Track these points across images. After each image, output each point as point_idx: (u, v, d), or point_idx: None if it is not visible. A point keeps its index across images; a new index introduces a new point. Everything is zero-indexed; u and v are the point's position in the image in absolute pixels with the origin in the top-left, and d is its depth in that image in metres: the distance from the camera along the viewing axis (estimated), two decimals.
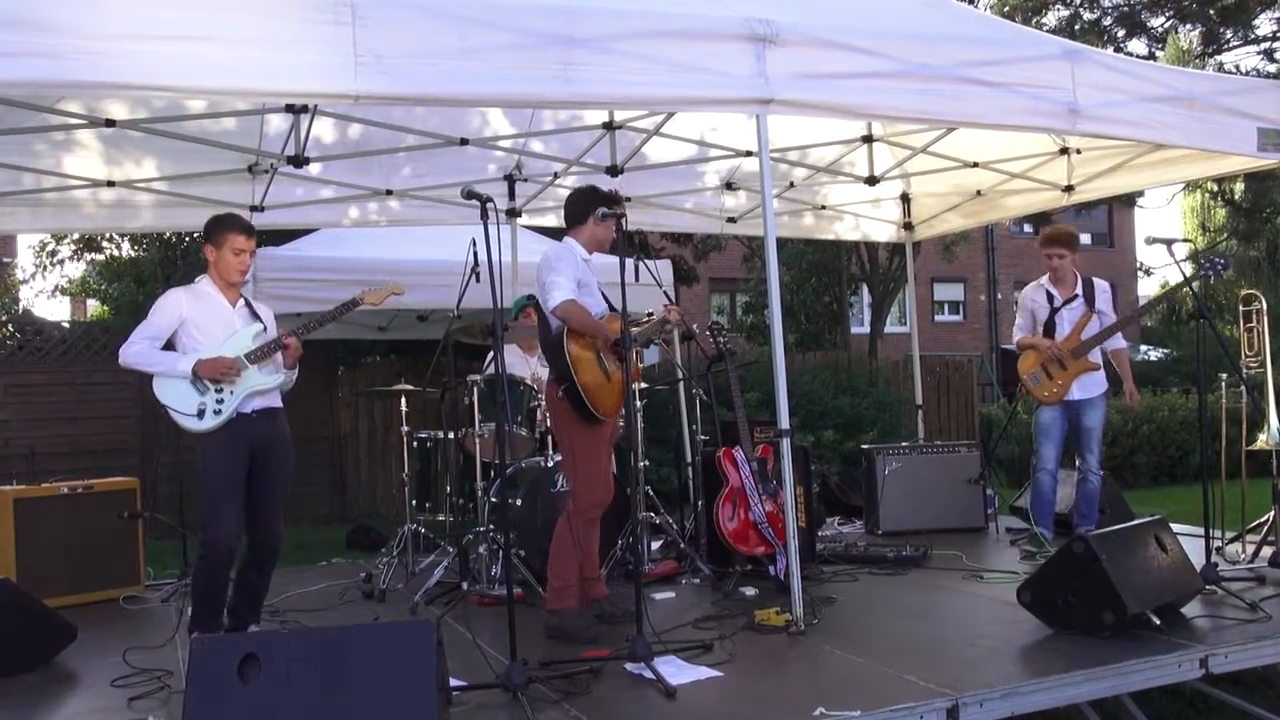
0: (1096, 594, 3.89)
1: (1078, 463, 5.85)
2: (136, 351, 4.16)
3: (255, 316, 4.36)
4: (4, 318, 11.82)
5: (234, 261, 4.26)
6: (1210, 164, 5.82)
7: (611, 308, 4.46)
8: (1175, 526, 4.53)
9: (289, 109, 5.26)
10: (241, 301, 4.38)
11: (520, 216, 7.09)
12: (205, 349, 4.18)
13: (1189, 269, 9.38)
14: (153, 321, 4.22)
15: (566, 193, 6.99)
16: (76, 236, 12.92)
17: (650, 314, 5.86)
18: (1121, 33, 16.05)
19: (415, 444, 5.93)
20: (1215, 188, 16.47)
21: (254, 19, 3.38)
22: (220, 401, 4.14)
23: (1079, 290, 5.85)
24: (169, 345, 4.24)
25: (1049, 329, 5.86)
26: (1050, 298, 5.90)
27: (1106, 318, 5.80)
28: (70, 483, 5.58)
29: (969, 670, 3.61)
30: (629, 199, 6.86)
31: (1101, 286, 5.89)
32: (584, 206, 4.46)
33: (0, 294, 14.62)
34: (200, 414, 4.13)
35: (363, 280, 7.14)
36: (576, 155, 6.55)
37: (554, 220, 7.57)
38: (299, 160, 5.36)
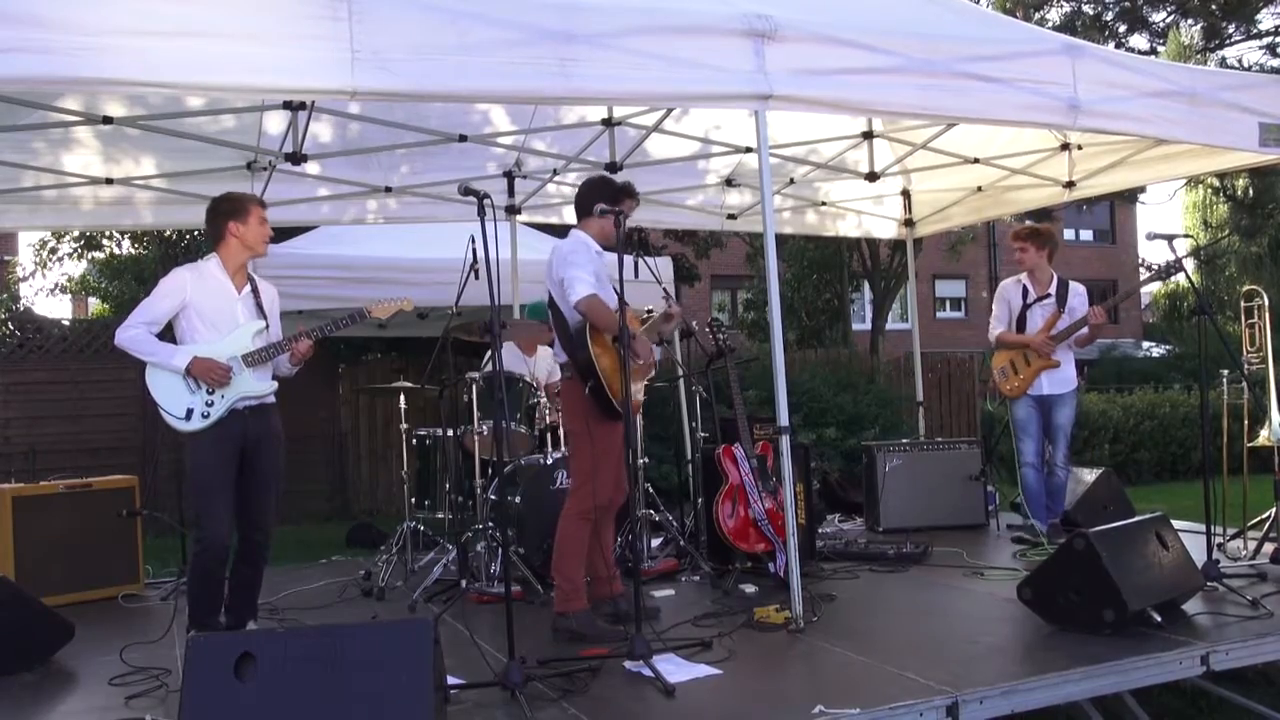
0: (1097, 591, 3.87)
1: (1046, 457, 5.96)
2: (132, 336, 4.10)
3: (259, 309, 4.30)
4: (4, 315, 11.81)
5: (263, 231, 4.25)
6: (1212, 159, 5.81)
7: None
8: (1176, 523, 4.51)
9: (287, 106, 5.25)
10: (248, 288, 4.30)
11: (520, 213, 7.07)
12: (204, 340, 4.14)
13: (1190, 265, 9.39)
14: (153, 305, 4.14)
15: (566, 189, 7.03)
16: (76, 234, 12.91)
17: (650, 310, 5.84)
18: (1123, 28, 16.06)
19: (415, 441, 5.93)
20: (1217, 183, 16.46)
21: (251, 15, 3.37)
22: (209, 404, 4.10)
23: (1052, 290, 6.01)
24: (169, 326, 4.18)
25: (1020, 323, 6.05)
26: (1025, 293, 6.07)
27: (1077, 315, 5.89)
28: (69, 481, 5.57)
29: (969, 667, 3.59)
30: None
31: (1076, 289, 6.04)
32: (589, 198, 4.42)
33: (0, 292, 14.62)
34: (188, 415, 4.09)
35: (363, 278, 7.16)
36: (576, 152, 6.54)
37: (554, 217, 7.55)
38: (297, 158, 5.35)
